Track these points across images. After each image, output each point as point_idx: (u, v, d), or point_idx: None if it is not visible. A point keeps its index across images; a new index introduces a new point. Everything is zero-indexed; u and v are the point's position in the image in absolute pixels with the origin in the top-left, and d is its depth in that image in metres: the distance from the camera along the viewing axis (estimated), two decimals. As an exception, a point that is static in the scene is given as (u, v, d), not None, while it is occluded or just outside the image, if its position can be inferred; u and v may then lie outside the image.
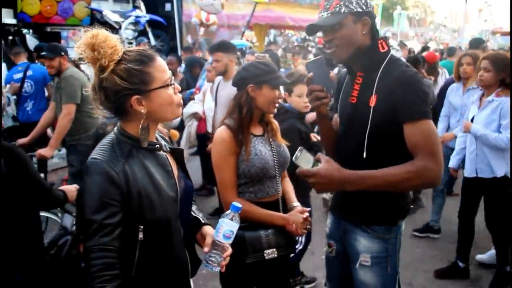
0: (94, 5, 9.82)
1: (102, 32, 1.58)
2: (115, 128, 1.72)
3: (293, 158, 1.97)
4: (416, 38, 39.16)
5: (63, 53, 4.63)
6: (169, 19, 10.61)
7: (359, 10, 2.07)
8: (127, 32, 9.70)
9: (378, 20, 35.80)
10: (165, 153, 1.79)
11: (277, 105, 2.62)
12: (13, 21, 8.52)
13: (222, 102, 4.37)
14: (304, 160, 1.99)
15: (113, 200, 1.56)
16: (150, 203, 1.63)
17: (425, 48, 14.81)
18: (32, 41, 8.15)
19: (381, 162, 1.99)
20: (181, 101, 1.75)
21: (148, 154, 1.71)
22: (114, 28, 9.70)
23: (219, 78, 4.69)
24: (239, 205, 1.74)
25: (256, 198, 2.53)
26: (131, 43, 9.65)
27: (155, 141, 1.77)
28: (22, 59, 6.42)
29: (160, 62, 1.68)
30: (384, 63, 2.10)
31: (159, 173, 1.70)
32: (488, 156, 3.94)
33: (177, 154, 1.89)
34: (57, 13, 9.15)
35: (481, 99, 4.10)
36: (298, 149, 2.00)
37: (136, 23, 9.85)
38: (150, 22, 10.25)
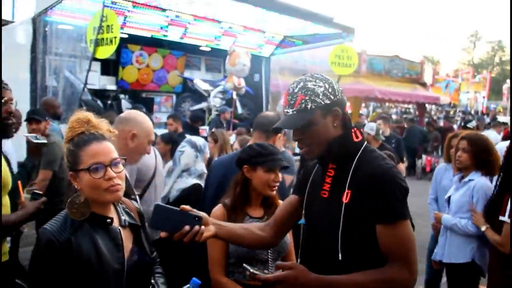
0: (187, 73, 10.61)
1: (76, 115, 1.92)
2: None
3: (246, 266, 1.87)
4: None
5: (47, 119, 4.98)
6: (257, 89, 11.12)
7: (327, 102, 1.86)
8: (215, 100, 10.27)
9: (486, 94, 34.45)
10: (119, 227, 1.95)
11: (275, 187, 2.63)
12: (114, 87, 9.50)
13: None
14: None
15: (48, 268, 1.77)
16: (91, 273, 1.79)
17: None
18: (126, 105, 8.99)
19: (358, 263, 1.82)
20: (115, 187, 1.86)
21: (99, 227, 1.88)
22: (203, 96, 10.41)
23: None
24: (198, 281, 1.85)
25: (244, 280, 2.49)
26: (218, 111, 10.26)
27: (108, 215, 1.93)
28: None
29: (93, 147, 1.86)
30: (359, 154, 1.89)
31: (106, 245, 1.86)
32: (455, 241, 3.86)
33: (135, 229, 2.04)
34: (152, 80, 10.01)
35: (460, 179, 3.99)
36: None
37: (224, 91, 10.38)
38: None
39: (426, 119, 19.92)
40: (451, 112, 30.32)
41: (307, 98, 1.86)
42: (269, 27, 9.85)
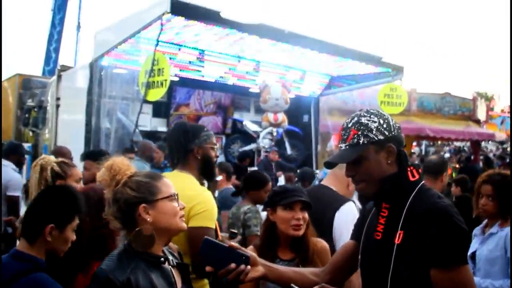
0: (236, 115, 10.76)
1: (119, 158, 1.99)
2: (125, 241, 1.96)
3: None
4: None
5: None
6: (306, 129, 11.12)
7: (381, 137, 1.81)
8: (264, 141, 10.29)
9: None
10: (170, 267, 1.99)
11: (298, 226, 2.54)
12: (165, 129, 9.73)
13: None
14: None
15: None
16: None
17: None
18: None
19: None
20: (183, 216, 1.99)
21: (153, 266, 1.91)
22: (252, 137, 10.47)
23: None
24: None
25: None
26: (268, 152, 10.27)
27: (161, 254, 1.98)
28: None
29: (167, 180, 1.99)
30: (414, 193, 1.80)
31: (161, 285, 1.88)
32: None
33: (183, 269, 2.08)
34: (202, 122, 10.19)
35: (484, 230, 3.40)
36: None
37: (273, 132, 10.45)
38: (288, 132, 10.82)
39: (481, 157, 19.36)
40: (508, 149, 29.29)
41: (359, 133, 1.83)
42: (318, 67, 9.89)
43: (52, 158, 3.44)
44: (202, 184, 2.99)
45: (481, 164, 16.19)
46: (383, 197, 1.87)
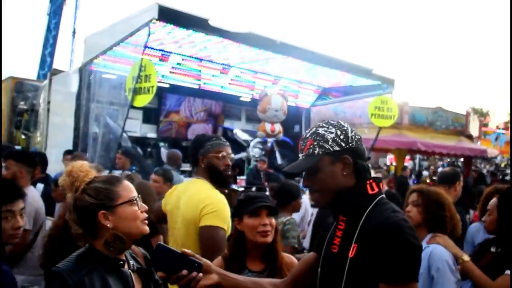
0: (227, 123, 10.77)
1: (79, 162, 1.99)
2: (86, 244, 1.97)
3: None
4: None
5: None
6: (297, 140, 11.12)
7: (337, 149, 1.80)
8: (255, 151, 10.25)
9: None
10: (129, 271, 1.99)
11: (265, 232, 2.52)
12: (154, 135, 9.73)
13: None
14: None
15: None
16: None
17: None
18: (164, 154, 9.14)
19: None
20: (146, 219, 1.98)
21: (112, 270, 1.92)
22: (242, 146, 10.46)
23: None
24: None
25: None
26: (257, 161, 10.25)
27: (122, 258, 1.98)
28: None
29: (127, 183, 1.98)
30: (370, 207, 1.77)
31: None
32: None
33: (144, 274, 2.07)
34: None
35: None
36: None
37: (264, 142, 10.41)
38: (278, 142, 10.81)
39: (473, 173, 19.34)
40: (502, 165, 29.36)
41: (315, 143, 1.82)
42: (309, 79, 9.91)
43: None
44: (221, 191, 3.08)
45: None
46: (338, 209, 1.87)
